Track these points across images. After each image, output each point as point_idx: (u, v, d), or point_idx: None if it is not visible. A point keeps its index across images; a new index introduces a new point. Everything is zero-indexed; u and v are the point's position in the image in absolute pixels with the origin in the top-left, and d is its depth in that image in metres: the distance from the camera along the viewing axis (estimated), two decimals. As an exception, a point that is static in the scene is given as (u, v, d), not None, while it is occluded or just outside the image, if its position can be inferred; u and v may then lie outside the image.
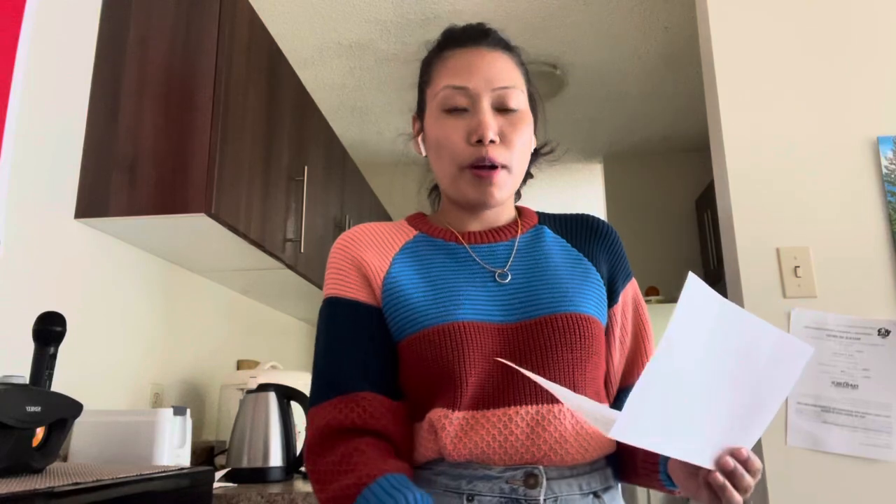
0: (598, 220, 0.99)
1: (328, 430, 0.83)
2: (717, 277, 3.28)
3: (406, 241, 0.94)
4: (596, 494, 0.83)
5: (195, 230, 1.72)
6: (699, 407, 0.65)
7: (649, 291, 3.62)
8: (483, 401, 0.81)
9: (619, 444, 0.86)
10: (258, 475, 1.71)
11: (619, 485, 0.93)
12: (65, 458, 1.44)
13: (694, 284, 0.62)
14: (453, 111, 0.88)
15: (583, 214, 1.00)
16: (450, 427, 0.80)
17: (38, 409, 0.95)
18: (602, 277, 0.93)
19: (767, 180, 1.71)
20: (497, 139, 0.87)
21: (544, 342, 0.83)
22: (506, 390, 0.81)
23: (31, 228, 1.48)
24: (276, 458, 1.73)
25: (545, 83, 3.08)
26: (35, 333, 1.06)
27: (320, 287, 2.37)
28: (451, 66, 0.90)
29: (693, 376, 0.63)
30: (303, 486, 1.53)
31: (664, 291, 3.68)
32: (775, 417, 1.56)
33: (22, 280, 1.44)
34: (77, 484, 0.86)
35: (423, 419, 0.84)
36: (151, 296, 1.93)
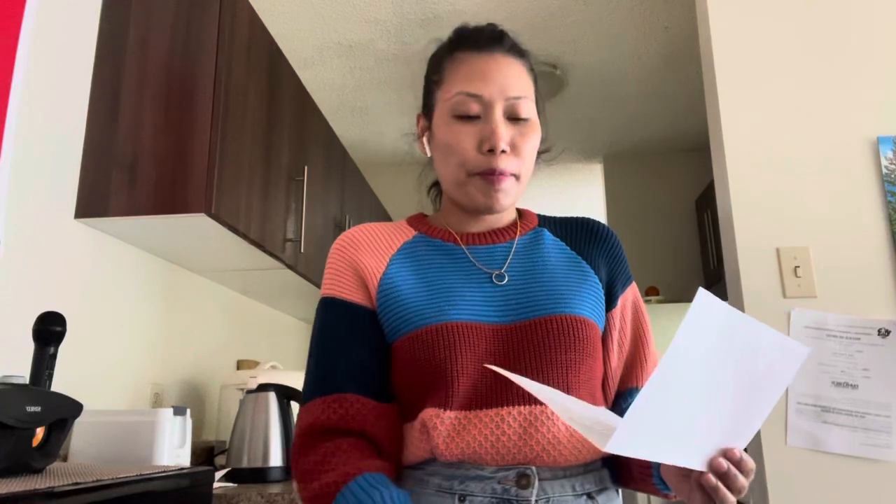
0: (599, 223, 0.99)
1: (312, 430, 0.84)
2: (717, 277, 3.28)
3: (404, 241, 0.94)
4: (590, 495, 0.83)
5: (195, 230, 1.72)
6: (697, 415, 0.64)
7: (649, 291, 3.62)
8: (475, 401, 0.81)
9: None
10: (258, 475, 1.71)
11: (620, 489, 0.93)
12: (65, 458, 1.44)
13: (704, 299, 0.60)
14: (465, 118, 0.88)
15: (583, 218, 1.00)
16: (441, 427, 0.80)
17: (38, 409, 0.95)
18: (600, 281, 0.93)
19: (767, 180, 1.71)
20: (508, 149, 0.87)
21: (539, 344, 0.83)
22: (498, 391, 0.81)
23: (31, 228, 1.48)
24: (276, 458, 1.73)
25: (545, 83, 3.08)
26: (35, 333, 1.06)
27: (320, 287, 2.37)
28: (465, 70, 0.90)
29: (693, 387, 0.63)
30: (303, 486, 1.53)
31: (664, 291, 3.68)
32: (775, 417, 1.57)
33: (22, 280, 1.44)
34: (77, 484, 0.86)
35: (416, 419, 0.84)
36: (151, 296, 1.93)
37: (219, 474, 1.65)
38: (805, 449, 1.55)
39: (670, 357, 0.60)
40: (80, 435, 1.43)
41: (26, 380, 1.02)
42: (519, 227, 0.96)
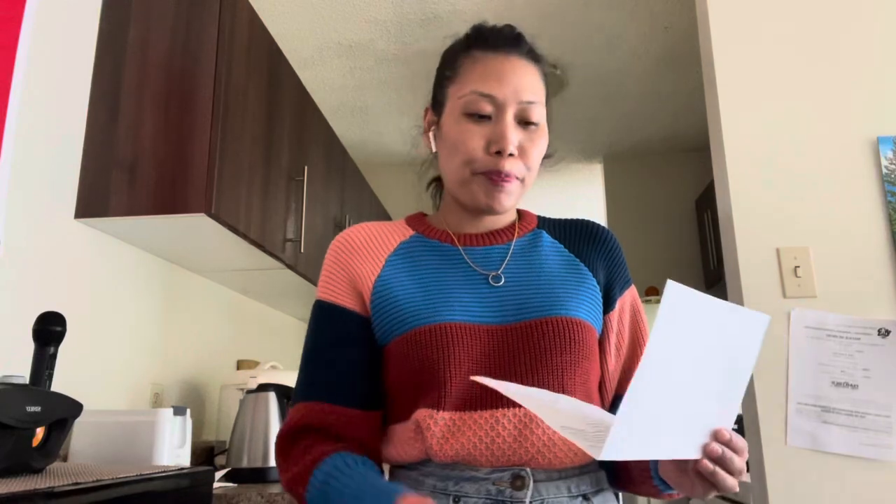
0: (598, 225, 0.99)
1: (295, 429, 0.86)
2: (717, 277, 3.28)
3: (401, 241, 0.94)
4: (585, 497, 0.83)
5: (195, 230, 1.72)
6: (683, 405, 0.64)
7: (649, 291, 3.62)
8: (470, 402, 0.81)
9: None
10: (258, 475, 1.71)
11: (620, 492, 0.93)
12: (65, 458, 1.44)
13: (673, 292, 0.59)
14: (476, 116, 0.88)
15: (583, 220, 1.00)
16: (435, 427, 0.80)
17: (38, 409, 0.95)
18: (598, 283, 0.93)
19: (767, 180, 1.71)
20: (516, 153, 0.87)
21: (534, 345, 0.83)
22: (493, 392, 0.81)
23: (31, 228, 1.48)
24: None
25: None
26: (35, 333, 1.06)
27: (320, 287, 2.37)
28: (481, 70, 0.89)
29: (676, 379, 0.62)
30: (303, 486, 1.53)
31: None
32: (775, 417, 1.57)
33: (22, 280, 1.44)
34: (77, 484, 0.86)
35: (409, 419, 0.84)
36: (151, 296, 1.93)
37: (219, 474, 1.65)
38: (805, 449, 1.55)
39: (651, 356, 0.59)
40: (80, 435, 1.43)
41: (26, 380, 1.02)
42: (517, 229, 0.96)
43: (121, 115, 1.66)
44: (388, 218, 3.52)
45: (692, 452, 0.67)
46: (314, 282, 2.34)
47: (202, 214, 1.60)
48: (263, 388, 1.81)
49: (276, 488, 1.50)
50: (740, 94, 1.77)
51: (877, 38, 1.77)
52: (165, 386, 1.99)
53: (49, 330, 1.06)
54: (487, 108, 0.87)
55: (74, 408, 1.04)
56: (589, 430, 0.62)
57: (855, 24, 1.78)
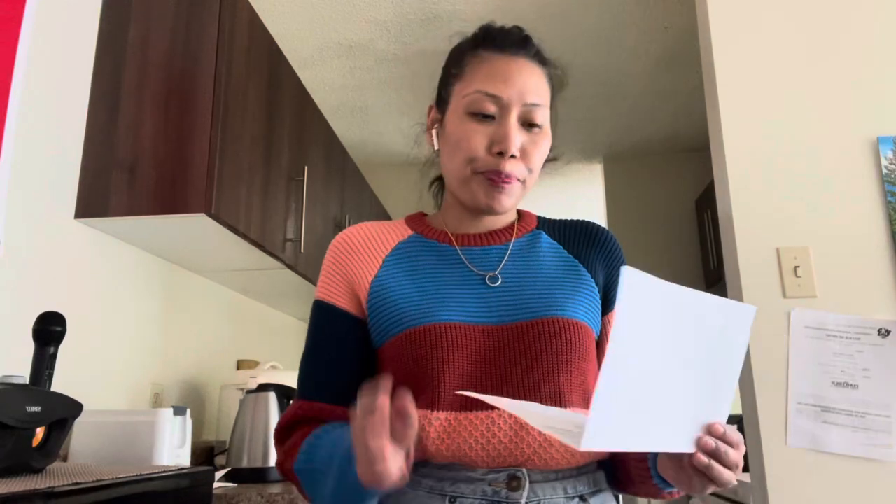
0: (598, 226, 0.99)
1: (291, 421, 0.90)
2: (717, 277, 3.28)
3: (399, 241, 0.94)
4: (582, 498, 0.83)
5: (195, 230, 1.72)
6: (664, 395, 0.64)
7: (649, 291, 3.62)
8: (466, 402, 0.81)
9: (609, 452, 0.86)
10: (258, 475, 1.71)
11: (620, 494, 0.93)
12: (65, 458, 1.44)
13: (631, 278, 0.60)
14: (480, 116, 0.88)
15: (583, 221, 1.00)
16: (429, 428, 0.80)
17: (38, 409, 0.95)
18: (597, 284, 0.93)
19: (767, 180, 1.71)
20: (518, 154, 0.87)
21: (529, 346, 0.83)
22: (488, 392, 0.81)
23: (31, 228, 1.48)
24: (275, 458, 1.73)
25: (545, 83, 3.07)
26: (35, 333, 1.06)
27: (320, 287, 2.37)
28: (487, 70, 0.89)
29: (651, 366, 0.62)
30: (303, 486, 1.53)
31: (664, 291, 3.67)
32: (776, 418, 1.57)
33: (22, 280, 1.44)
34: (77, 484, 0.86)
35: None
36: (151, 296, 1.93)
37: (219, 474, 1.65)
38: (805, 449, 1.55)
39: (616, 343, 0.59)
40: (80, 435, 1.43)
41: (26, 380, 1.02)
42: (516, 230, 0.96)
43: (121, 115, 1.66)
44: (387, 218, 3.52)
45: (685, 446, 0.67)
46: (314, 282, 2.34)
47: (202, 214, 1.60)
48: (263, 388, 1.81)
49: (276, 488, 1.50)
50: (740, 94, 1.77)
51: (877, 38, 1.77)
52: (165, 386, 1.99)
53: (49, 330, 1.06)
54: (491, 108, 0.87)
55: (74, 408, 1.04)
56: (575, 431, 0.62)
57: (855, 25, 1.78)
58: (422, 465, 0.84)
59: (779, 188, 1.70)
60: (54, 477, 0.94)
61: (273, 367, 2.32)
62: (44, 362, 1.05)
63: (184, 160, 1.61)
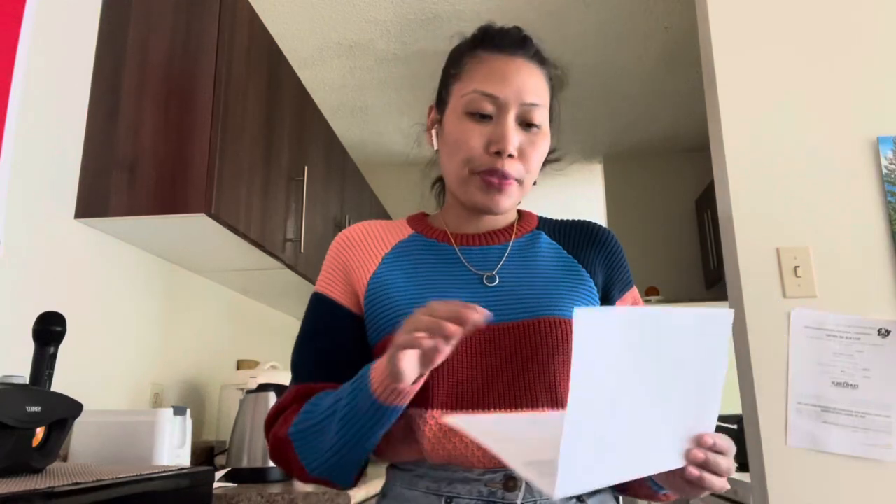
0: (599, 227, 0.98)
1: (284, 405, 0.90)
2: (717, 277, 3.28)
3: (399, 240, 0.95)
4: (580, 499, 0.83)
5: (195, 230, 1.72)
6: (641, 422, 0.62)
7: (649, 291, 3.62)
8: (462, 403, 0.81)
9: None
10: (258, 475, 1.71)
11: (620, 496, 0.92)
12: (65, 458, 1.44)
13: (581, 318, 0.57)
14: (478, 116, 0.88)
15: (583, 221, 1.00)
16: (424, 427, 0.80)
17: (38, 409, 0.95)
18: (596, 285, 0.92)
19: (767, 180, 1.71)
20: (515, 154, 0.87)
21: (526, 345, 0.83)
22: (485, 393, 0.81)
23: (31, 228, 1.48)
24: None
25: (545, 83, 3.07)
26: (35, 333, 1.06)
27: (320, 287, 2.37)
28: (485, 70, 0.89)
29: (620, 399, 0.60)
30: (303, 486, 1.53)
31: (664, 292, 3.67)
32: (776, 418, 1.57)
33: (22, 280, 1.44)
34: (77, 484, 0.86)
35: (401, 420, 0.84)
36: (151, 296, 1.93)
37: (219, 474, 1.65)
38: (805, 449, 1.55)
39: (577, 383, 0.56)
40: (80, 435, 1.43)
41: (26, 380, 1.02)
42: (516, 230, 0.96)
43: (121, 115, 1.66)
44: (387, 218, 3.52)
45: (674, 462, 0.67)
46: (314, 282, 2.33)
47: (202, 214, 1.60)
48: (263, 388, 1.81)
49: (276, 488, 1.50)
50: (740, 94, 1.77)
51: (877, 38, 1.77)
52: (165, 386, 1.99)
53: (49, 330, 1.06)
54: (489, 108, 0.87)
55: (74, 408, 1.04)
56: (552, 472, 0.59)
57: (855, 25, 1.78)
58: (418, 465, 0.84)
59: (779, 188, 1.70)
60: (54, 477, 0.94)
61: (273, 367, 2.32)
62: (44, 362, 1.05)
63: (184, 160, 1.61)
